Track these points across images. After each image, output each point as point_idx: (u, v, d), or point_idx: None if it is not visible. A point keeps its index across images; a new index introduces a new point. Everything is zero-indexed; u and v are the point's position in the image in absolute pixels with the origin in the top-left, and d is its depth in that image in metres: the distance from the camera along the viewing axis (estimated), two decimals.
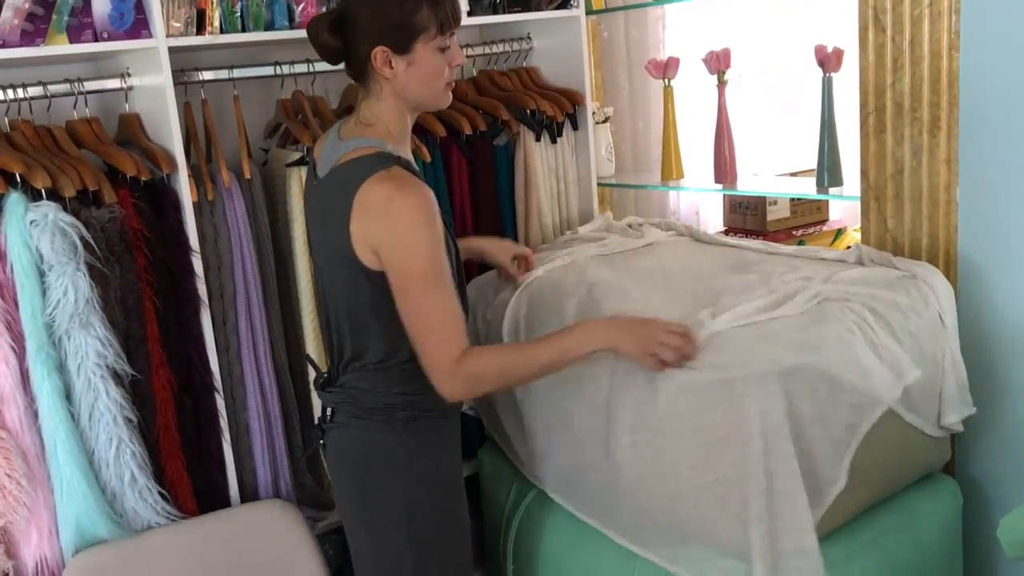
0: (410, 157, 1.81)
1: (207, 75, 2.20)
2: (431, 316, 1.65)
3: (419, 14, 1.67)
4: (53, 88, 2.04)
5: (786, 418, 1.62)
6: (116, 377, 1.94)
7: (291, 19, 2.18)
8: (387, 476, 1.78)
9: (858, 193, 2.15)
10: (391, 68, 1.70)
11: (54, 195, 1.91)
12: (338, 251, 1.68)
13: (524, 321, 2.08)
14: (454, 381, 1.66)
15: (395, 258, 1.64)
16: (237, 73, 2.24)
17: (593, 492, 1.90)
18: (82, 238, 1.87)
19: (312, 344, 2.26)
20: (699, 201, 3.22)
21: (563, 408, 1.92)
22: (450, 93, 1.79)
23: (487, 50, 2.66)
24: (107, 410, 1.92)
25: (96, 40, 1.93)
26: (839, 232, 3.06)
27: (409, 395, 1.76)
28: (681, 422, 1.70)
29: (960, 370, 1.89)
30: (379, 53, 1.69)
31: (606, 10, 2.85)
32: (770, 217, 2.90)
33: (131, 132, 2.12)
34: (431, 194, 1.66)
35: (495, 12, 2.55)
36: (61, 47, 1.90)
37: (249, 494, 2.19)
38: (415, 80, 1.72)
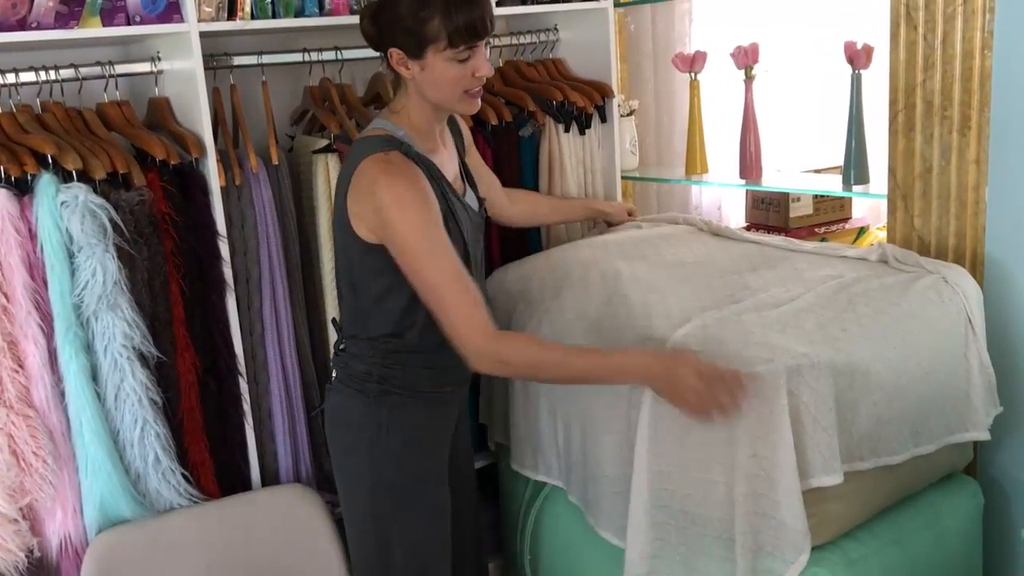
0: (434, 149, 1.82)
1: (237, 61, 2.21)
2: (443, 291, 1.66)
3: (429, 24, 1.67)
4: (85, 71, 2.05)
5: (814, 415, 1.62)
6: (142, 359, 1.95)
7: (321, 6, 2.19)
8: (357, 444, 1.84)
9: (885, 191, 2.14)
10: (407, 69, 1.74)
11: (84, 177, 1.92)
12: (339, 221, 1.76)
13: (539, 290, 2.10)
14: (485, 359, 1.67)
15: (389, 236, 1.68)
16: (266, 59, 2.24)
17: (610, 502, 1.89)
18: (111, 220, 1.89)
19: (334, 331, 2.26)
20: (721, 196, 3.21)
21: (582, 405, 1.92)
22: (475, 101, 1.77)
23: (514, 40, 2.65)
24: (132, 391, 1.94)
25: (129, 24, 1.94)
26: (861, 230, 3.04)
27: (386, 368, 1.80)
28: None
29: (989, 374, 1.88)
30: (394, 53, 1.73)
31: (634, 2, 2.84)
32: (793, 214, 2.88)
33: (160, 116, 2.12)
34: (422, 179, 1.69)
35: (523, 3, 2.54)
36: (94, 30, 1.91)
37: (270, 478, 2.21)
38: (429, 84, 1.74)
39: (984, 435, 1.86)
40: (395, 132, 1.76)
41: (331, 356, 1.98)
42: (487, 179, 2.18)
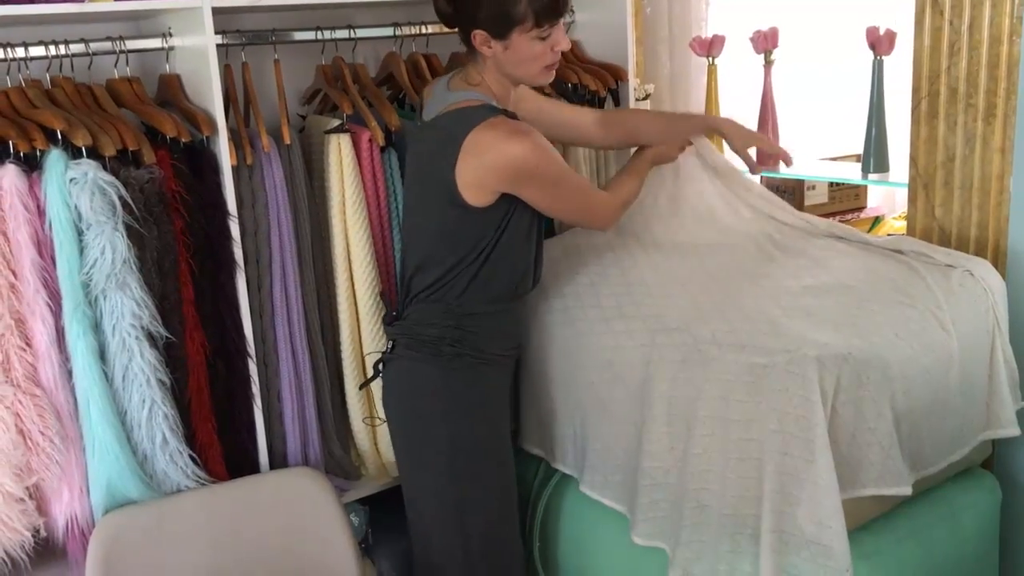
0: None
1: (249, 38, 2.17)
2: (591, 202, 1.92)
3: (518, 6, 1.73)
4: (95, 46, 2.01)
5: (826, 407, 1.59)
6: (150, 339, 1.93)
7: None
8: (431, 409, 1.91)
9: (905, 180, 2.11)
10: (489, 48, 1.80)
11: (94, 153, 1.89)
12: (436, 189, 1.82)
13: (552, 276, 2.08)
14: (617, 216, 2.00)
15: (533, 184, 1.78)
16: (279, 37, 2.21)
17: (623, 479, 1.87)
18: (121, 198, 1.86)
19: (345, 313, 2.25)
20: None
21: (599, 395, 1.90)
22: (552, 72, 1.86)
23: None
24: (141, 371, 1.91)
25: None
26: (877, 219, 3.02)
27: (460, 331, 1.88)
28: (715, 408, 1.68)
29: (1013, 369, 1.85)
30: (478, 35, 1.79)
31: None
32: (808, 202, 2.86)
33: (171, 93, 2.10)
34: (537, 132, 1.78)
35: None
36: (105, 4, 1.88)
37: (278, 461, 2.19)
38: (511, 62, 1.81)
39: (1015, 430, 1.83)
40: (491, 102, 1.83)
41: (385, 327, 2.06)
42: (565, 113, 2.18)
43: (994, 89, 1.90)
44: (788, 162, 2.12)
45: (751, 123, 2.53)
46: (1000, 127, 1.91)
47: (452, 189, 1.79)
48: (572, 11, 2.66)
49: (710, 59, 2.60)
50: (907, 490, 1.66)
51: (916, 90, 2.04)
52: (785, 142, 2.57)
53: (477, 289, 1.87)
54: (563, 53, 2.59)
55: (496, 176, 1.77)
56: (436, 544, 2.00)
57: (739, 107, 2.80)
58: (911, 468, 1.69)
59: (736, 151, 2.13)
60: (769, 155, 2.30)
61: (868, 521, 1.75)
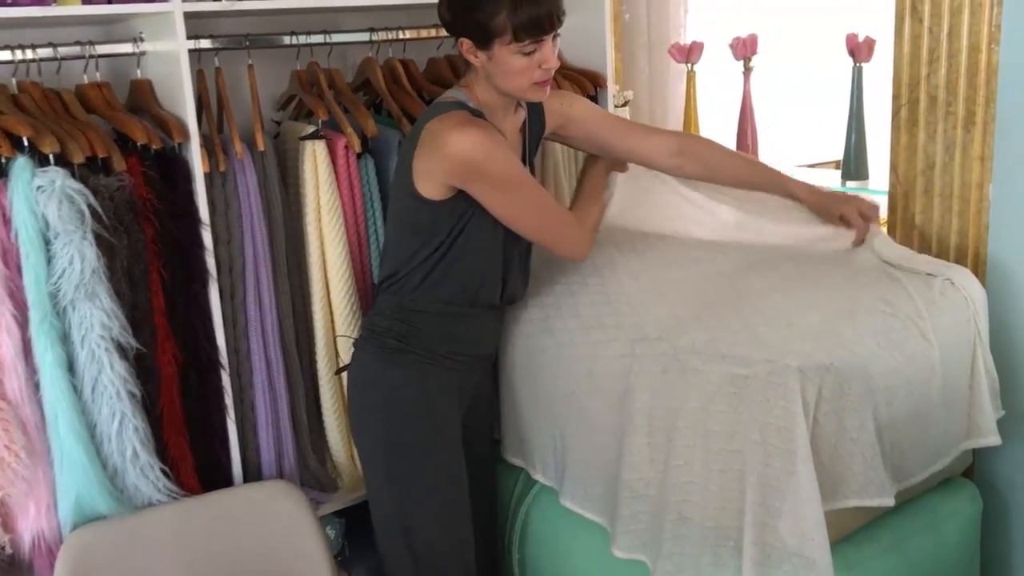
0: (503, 127, 1.85)
1: (222, 43, 2.14)
2: (546, 211, 1.84)
3: (496, 19, 1.69)
4: (63, 50, 1.98)
5: (807, 418, 1.57)
6: (121, 350, 1.89)
7: None
8: (371, 403, 1.90)
9: (885, 187, 2.10)
10: (475, 57, 1.77)
11: (62, 161, 1.86)
12: (400, 179, 1.83)
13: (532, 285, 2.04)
14: (588, 244, 1.92)
15: (476, 180, 1.74)
16: (252, 42, 2.18)
17: (603, 491, 1.85)
18: (90, 206, 1.83)
19: (321, 322, 2.22)
20: None
21: (579, 406, 1.88)
22: (543, 89, 1.79)
23: None
24: (110, 384, 1.88)
25: (110, 2, 1.90)
26: None
27: (407, 326, 1.87)
28: (696, 419, 1.66)
29: (994, 378, 1.84)
30: (464, 43, 1.77)
31: None
32: None
33: (142, 99, 2.06)
34: (495, 132, 1.76)
35: None
36: (73, 8, 1.86)
37: (252, 473, 2.16)
38: (497, 74, 1.77)
39: (995, 439, 1.83)
40: (466, 102, 1.81)
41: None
42: (623, 134, 2.05)
43: (973, 97, 1.90)
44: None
45: (730, 129, 2.51)
46: (980, 135, 1.90)
47: (410, 179, 1.79)
48: (557, 31, 2.63)
49: (689, 65, 2.59)
50: (890, 501, 1.64)
51: (896, 97, 2.04)
52: (764, 148, 2.56)
53: (430, 287, 1.85)
54: None
55: (442, 167, 1.75)
56: (385, 550, 1.98)
57: (718, 114, 2.79)
58: (893, 479, 1.67)
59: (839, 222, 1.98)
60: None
61: (850, 532, 1.74)
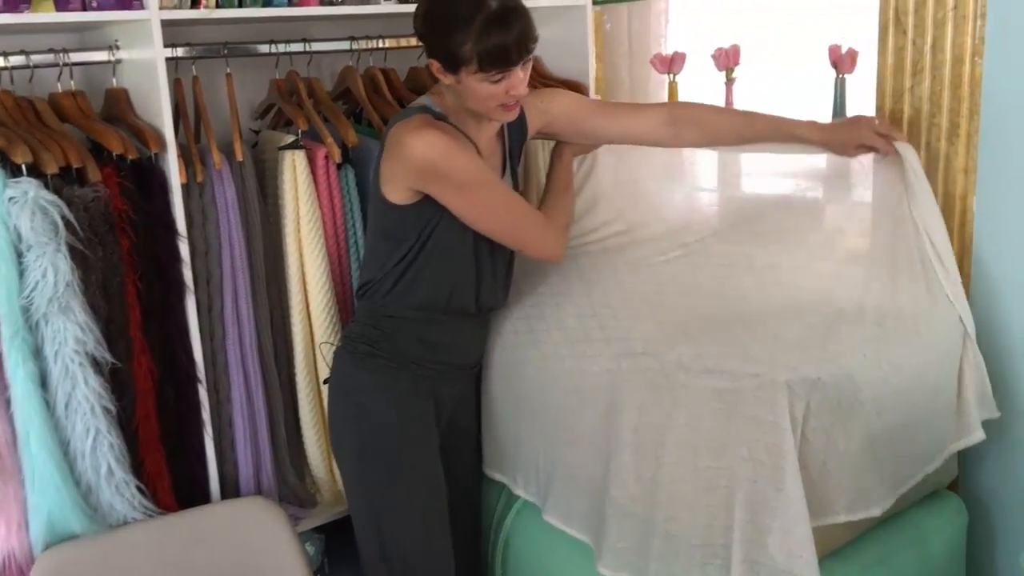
0: (477, 134, 1.83)
1: (200, 51, 2.11)
2: (511, 211, 1.81)
3: (463, 48, 1.66)
4: (36, 58, 1.96)
5: (796, 433, 1.56)
6: (95, 365, 1.86)
7: None
8: (346, 409, 1.90)
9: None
10: (444, 77, 1.74)
11: (35, 171, 1.83)
12: (373, 188, 1.83)
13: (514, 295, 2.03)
14: (560, 243, 1.89)
15: (437, 182, 1.73)
16: (231, 50, 2.15)
17: (589, 508, 1.83)
18: (64, 218, 1.80)
19: (300, 335, 2.18)
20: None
21: (565, 421, 1.86)
22: (511, 111, 1.77)
23: None
24: (85, 399, 1.85)
25: (84, 9, 1.86)
26: None
27: (378, 331, 1.86)
28: (683, 436, 1.64)
29: (981, 381, 1.83)
30: (433, 63, 1.74)
31: (612, 0, 2.77)
32: None
33: (118, 108, 2.03)
34: (453, 132, 1.74)
35: None
36: (47, 15, 1.82)
37: (230, 490, 2.13)
38: (464, 95, 1.75)
39: (979, 435, 1.81)
40: (431, 106, 1.80)
41: None
42: (613, 117, 2.02)
43: (957, 109, 1.90)
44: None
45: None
46: (964, 147, 1.90)
47: (378, 183, 1.79)
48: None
49: (671, 76, 2.58)
50: (877, 511, 1.63)
51: (879, 109, 2.03)
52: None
53: (402, 293, 1.83)
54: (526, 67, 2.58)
55: (403, 171, 1.73)
56: (363, 561, 1.96)
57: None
58: (891, 487, 1.66)
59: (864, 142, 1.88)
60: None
61: (838, 548, 1.73)
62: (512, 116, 1.79)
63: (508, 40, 1.65)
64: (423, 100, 1.83)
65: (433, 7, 1.72)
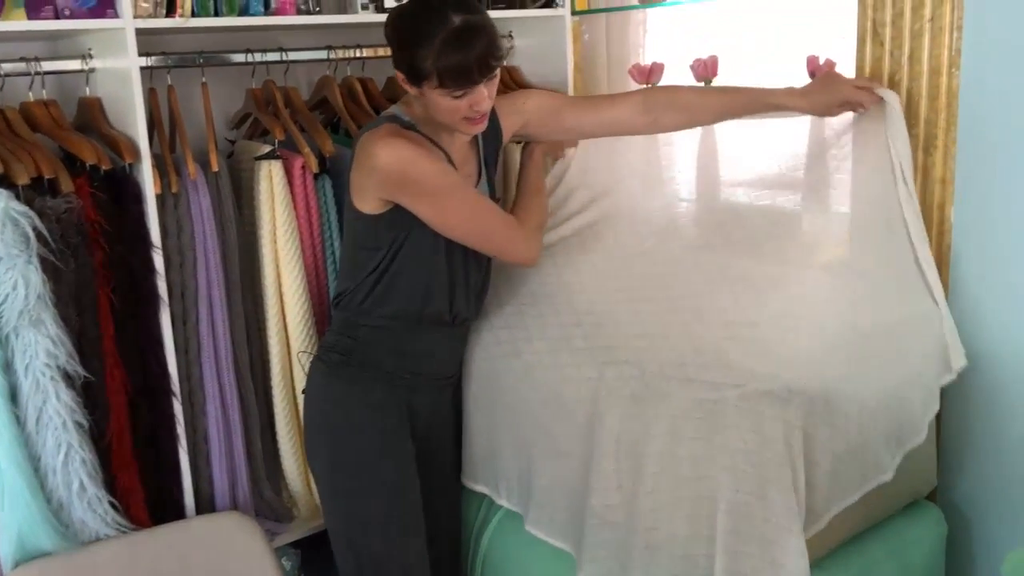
0: (448, 142, 1.82)
1: (175, 60, 2.09)
2: (481, 217, 1.80)
3: (425, 64, 1.65)
4: (7, 67, 1.93)
5: (777, 442, 1.55)
6: (67, 378, 1.83)
7: (266, 5, 2.09)
8: (317, 418, 1.90)
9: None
10: (409, 88, 1.74)
11: (6, 182, 1.80)
12: (347, 198, 1.82)
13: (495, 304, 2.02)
14: (533, 245, 1.87)
15: (406, 191, 1.72)
16: (206, 59, 2.13)
17: (570, 518, 1.82)
18: (35, 229, 1.77)
19: (276, 347, 2.16)
20: None
21: (546, 430, 1.84)
22: (476, 125, 1.76)
23: None
24: (56, 414, 1.82)
25: (57, 18, 1.84)
26: None
27: (351, 341, 1.85)
28: (665, 445, 1.63)
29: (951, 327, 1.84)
30: (398, 73, 1.74)
31: (591, 11, 2.78)
32: None
33: (91, 117, 2.00)
34: (419, 140, 1.74)
35: None
36: (18, 23, 1.80)
37: (205, 505, 2.10)
38: (428, 107, 1.75)
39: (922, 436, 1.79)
40: (400, 116, 1.79)
41: None
42: (589, 109, 2.02)
43: (934, 120, 1.90)
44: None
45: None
46: (941, 158, 1.91)
47: (349, 193, 1.79)
48: (512, 36, 2.62)
49: (649, 86, 2.58)
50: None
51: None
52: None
53: (376, 302, 1.82)
54: (504, 77, 2.58)
55: (372, 181, 1.73)
56: (341, 572, 1.95)
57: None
58: (874, 475, 1.66)
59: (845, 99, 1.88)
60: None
61: (818, 559, 1.72)
62: (478, 130, 1.78)
63: (469, 59, 1.64)
64: (393, 109, 1.83)
65: (400, 18, 1.72)
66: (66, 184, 1.85)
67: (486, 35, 1.66)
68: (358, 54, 2.31)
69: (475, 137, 1.90)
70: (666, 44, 2.99)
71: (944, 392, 1.87)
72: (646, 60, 2.79)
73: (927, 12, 1.87)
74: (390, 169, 1.69)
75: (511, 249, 1.85)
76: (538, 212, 1.96)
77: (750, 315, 1.80)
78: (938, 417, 1.94)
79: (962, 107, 1.87)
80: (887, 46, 1.95)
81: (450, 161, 1.80)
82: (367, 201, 1.76)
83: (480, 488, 2.07)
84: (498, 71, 1.71)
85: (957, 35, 1.85)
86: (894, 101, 1.87)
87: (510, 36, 2.62)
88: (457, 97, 1.68)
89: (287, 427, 2.21)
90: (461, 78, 1.65)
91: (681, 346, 1.75)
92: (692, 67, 2.45)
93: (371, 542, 1.89)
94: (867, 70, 1.99)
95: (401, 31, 1.70)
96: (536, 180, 2.02)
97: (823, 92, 1.90)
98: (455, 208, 1.76)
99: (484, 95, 1.70)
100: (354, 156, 1.77)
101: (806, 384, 1.59)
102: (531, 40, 2.61)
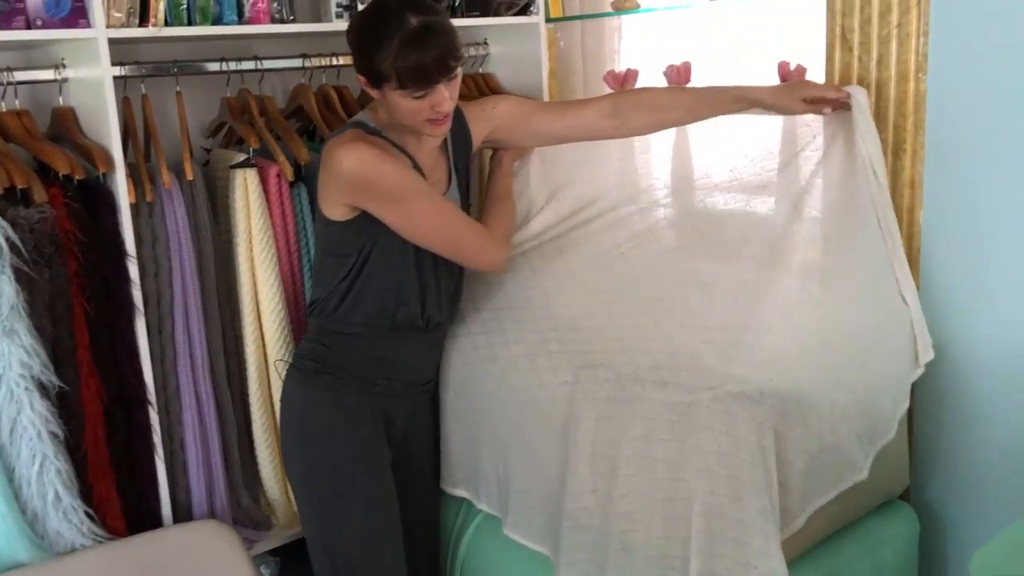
0: (416, 147, 1.82)
1: (149, 69, 2.08)
2: (444, 225, 1.79)
3: (383, 65, 1.67)
4: None
5: (751, 444, 1.57)
6: (42, 388, 1.82)
7: (240, 14, 2.08)
8: (291, 426, 1.90)
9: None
10: (371, 91, 1.75)
11: None
12: (318, 206, 1.82)
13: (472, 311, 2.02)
14: (501, 252, 1.88)
15: (370, 196, 1.73)
16: (180, 68, 2.12)
17: (547, 521, 1.83)
18: (8, 239, 1.76)
19: (253, 356, 2.16)
20: None
21: (523, 434, 1.85)
22: (440, 127, 1.76)
23: None
24: (31, 424, 1.80)
25: (29, 27, 1.82)
26: None
27: (325, 348, 1.86)
28: (639, 448, 1.64)
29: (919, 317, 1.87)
30: (360, 77, 1.75)
31: (566, 18, 2.79)
32: None
33: (65, 127, 1.99)
34: (382, 145, 1.75)
35: (453, 16, 2.46)
36: None
37: (182, 514, 2.09)
38: (391, 110, 1.76)
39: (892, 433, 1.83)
40: (366, 122, 1.80)
41: None
42: (558, 114, 2.03)
43: (903, 124, 1.93)
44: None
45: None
46: (910, 161, 1.93)
47: (320, 205, 1.80)
48: (487, 43, 2.63)
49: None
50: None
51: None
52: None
53: (348, 309, 1.83)
54: (481, 84, 2.59)
55: (337, 187, 1.74)
56: (316, 574, 1.95)
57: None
58: (849, 474, 1.68)
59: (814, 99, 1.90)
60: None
61: (791, 560, 1.73)
62: (442, 131, 1.79)
63: (427, 59, 1.65)
64: (359, 116, 1.84)
65: (360, 22, 1.74)
66: (39, 194, 1.84)
67: (444, 35, 1.67)
68: (333, 62, 2.31)
69: (444, 144, 1.91)
70: (641, 51, 3.01)
71: (915, 392, 1.90)
72: (621, 66, 2.81)
73: (894, 18, 1.90)
74: (352, 174, 1.70)
75: (478, 257, 1.86)
76: (506, 219, 1.97)
77: (725, 318, 1.81)
78: (910, 417, 1.97)
79: (929, 111, 1.90)
80: (855, 52, 1.98)
81: (417, 167, 1.80)
82: (334, 208, 1.76)
83: (459, 492, 2.07)
84: (459, 72, 1.72)
85: (924, 40, 1.88)
86: (862, 96, 1.90)
87: (485, 44, 2.64)
88: (418, 98, 1.69)
89: (264, 435, 2.20)
90: (420, 78, 1.66)
91: (656, 349, 1.76)
92: (666, 73, 2.47)
93: (347, 548, 1.89)
94: (836, 75, 2.02)
95: (360, 35, 1.71)
96: (504, 187, 2.03)
97: (790, 88, 1.93)
98: (420, 214, 1.76)
99: (445, 95, 1.71)
100: (321, 163, 1.78)
101: (778, 385, 1.61)
102: (506, 47, 2.62)
